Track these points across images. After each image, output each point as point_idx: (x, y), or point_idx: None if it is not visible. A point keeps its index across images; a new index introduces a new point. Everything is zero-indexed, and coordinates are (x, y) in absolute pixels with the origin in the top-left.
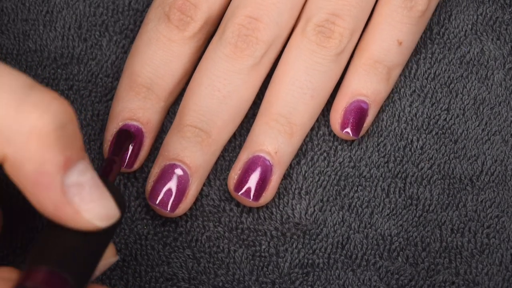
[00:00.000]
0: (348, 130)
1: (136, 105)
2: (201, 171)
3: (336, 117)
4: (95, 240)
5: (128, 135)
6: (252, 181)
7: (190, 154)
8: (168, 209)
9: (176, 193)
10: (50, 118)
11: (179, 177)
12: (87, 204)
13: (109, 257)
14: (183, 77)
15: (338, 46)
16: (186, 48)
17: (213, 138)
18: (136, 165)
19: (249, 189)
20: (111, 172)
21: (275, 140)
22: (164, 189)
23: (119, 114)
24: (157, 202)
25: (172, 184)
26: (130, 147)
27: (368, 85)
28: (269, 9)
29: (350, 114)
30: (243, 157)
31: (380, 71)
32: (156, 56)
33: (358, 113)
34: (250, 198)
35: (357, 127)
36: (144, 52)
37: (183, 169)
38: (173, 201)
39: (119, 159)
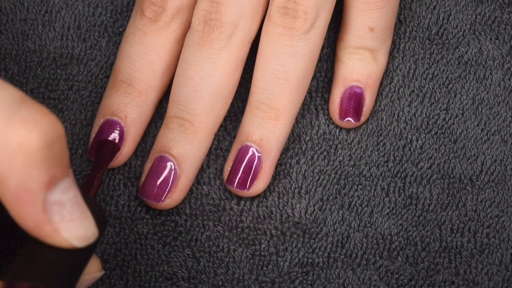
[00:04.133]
0: (348, 117)
1: (115, 101)
2: (189, 160)
3: (334, 108)
4: (75, 257)
5: (109, 148)
6: (242, 171)
7: (175, 144)
8: (156, 200)
9: (165, 184)
10: (38, 135)
11: (167, 168)
12: (67, 223)
13: (94, 272)
14: (166, 70)
15: (304, 24)
16: (160, 38)
17: (197, 126)
18: (120, 160)
19: (240, 179)
20: (92, 188)
21: (260, 127)
22: (153, 182)
23: (100, 113)
24: (146, 194)
25: (161, 176)
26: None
27: (355, 69)
28: None
29: (346, 101)
30: (234, 149)
31: (363, 55)
32: (132, 51)
33: (354, 98)
34: (241, 188)
35: (356, 112)
36: (122, 49)
37: (169, 160)
38: (162, 192)
39: (100, 174)
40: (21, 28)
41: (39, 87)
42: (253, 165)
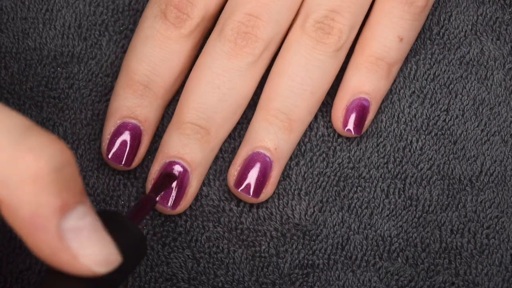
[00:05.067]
0: (351, 128)
1: (133, 102)
2: (200, 168)
3: (338, 115)
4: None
5: (171, 176)
6: (252, 177)
7: (190, 151)
8: (170, 206)
9: (177, 190)
10: (46, 161)
11: (180, 174)
12: (85, 249)
13: None
14: (180, 74)
15: (337, 42)
16: (183, 45)
17: (212, 134)
18: (135, 163)
19: (249, 185)
20: (140, 211)
21: (275, 136)
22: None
23: (117, 112)
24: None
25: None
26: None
27: (369, 82)
28: (269, 7)
29: (352, 112)
30: (243, 153)
31: (381, 68)
32: (153, 54)
33: (360, 111)
34: (250, 195)
35: (359, 125)
36: (140, 50)
37: (183, 166)
38: (175, 198)
39: (155, 199)
40: (21, 27)
41: (39, 85)
42: (265, 172)
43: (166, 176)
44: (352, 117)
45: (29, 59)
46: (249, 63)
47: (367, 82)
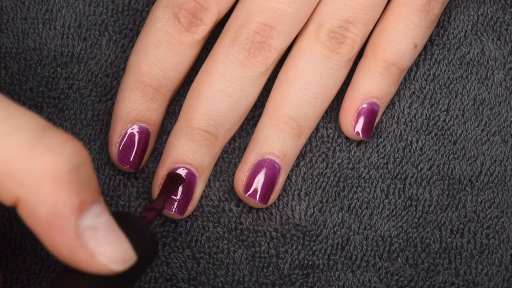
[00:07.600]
0: (361, 132)
1: (144, 106)
2: (207, 172)
3: (349, 118)
4: (114, 286)
5: (179, 179)
6: (261, 183)
7: (199, 157)
8: (178, 212)
9: (185, 195)
10: (63, 160)
11: (188, 179)
12: (102, 247)
13: None
14: (185, 76)
15: (350, 52)
16: (194, 50)
17: (219, 140)
18: (141, 165)
19: (258, 191)
20: (150, 213)
21: (285, 143)
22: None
23: (127, 115)
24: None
25: (181, 187)
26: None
27: (381, 87)
28: (284, 18)
29: (363, 116)
30: (251, 158)
31: (393, 73)
32: (166, 59)
33: (371, 115)
34: (258, 200)
35: (369, 129)
36: (152, 53)
37: (191, 172)
38: (183, 203)
39: (163, 202)
40: (21, 27)
41: (38, 85)
42: (274, 178)
43: (175, 178)
44: (363, 121)
45: (29, 59)
46: (261, 71)
47: (379, 87)
